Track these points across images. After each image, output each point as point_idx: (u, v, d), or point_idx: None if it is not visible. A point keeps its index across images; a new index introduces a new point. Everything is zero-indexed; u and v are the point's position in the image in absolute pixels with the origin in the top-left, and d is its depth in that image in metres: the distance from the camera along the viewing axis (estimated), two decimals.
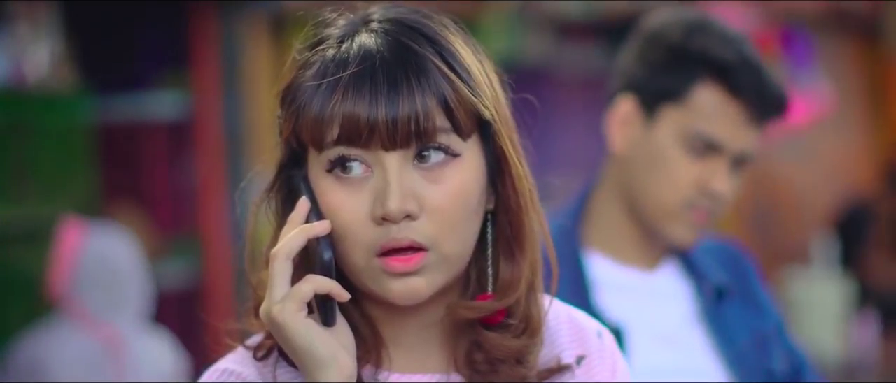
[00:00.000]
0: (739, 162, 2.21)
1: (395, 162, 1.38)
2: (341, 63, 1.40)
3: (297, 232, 1.39)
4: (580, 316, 1.57)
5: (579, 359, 1.52)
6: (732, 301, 2.32)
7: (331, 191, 1.40)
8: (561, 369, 1.49)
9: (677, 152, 2.19)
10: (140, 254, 4.10)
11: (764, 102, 2.18)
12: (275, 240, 1.43)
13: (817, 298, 8.67)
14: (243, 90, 5.88)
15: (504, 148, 1.44)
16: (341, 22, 1.45)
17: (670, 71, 2.19)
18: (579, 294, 2.20)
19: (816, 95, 8.75)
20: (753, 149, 2.21)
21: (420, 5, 1.49)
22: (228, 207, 5.84)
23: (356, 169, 1.39)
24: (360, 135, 1.38)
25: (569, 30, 7.96)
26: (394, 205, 1.37)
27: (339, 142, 1.39)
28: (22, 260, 5.01)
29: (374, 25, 1.44)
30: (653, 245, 2.27)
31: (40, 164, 5.08)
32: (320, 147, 1.40)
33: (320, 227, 1.40)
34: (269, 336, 1.44)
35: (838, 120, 10.35)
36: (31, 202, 5.04)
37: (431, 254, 1.39)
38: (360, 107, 1.37)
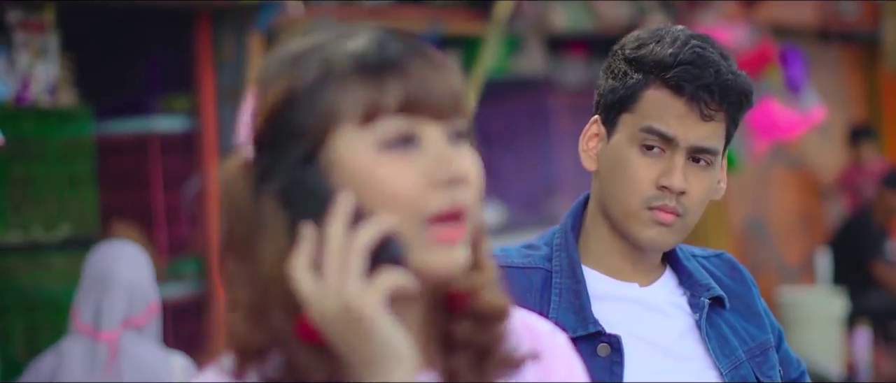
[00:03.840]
0: (698, 156, 2.22)
1: (443, 133, 1.44)
2: (367, 49, 1.44)
3: (373, 225, 1.40)
4: (534, 318, 1.62)
5: (533, 355, 1.54)
6: (731, 311, 2.33)
7: (386, 163, 1.41)
8: (518, 363, 1.52)
9: (632, 152, 2.22)
10: (145, 266, 4.10)
11: (711, 96, 2.19)
12: (287, 245, 1.42)
13: (813, 312, 8.68)
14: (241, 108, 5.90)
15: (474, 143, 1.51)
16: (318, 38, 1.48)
17: (624, 82, 2.24)
18: (580, 304, 2.22)
19: (814, 109, 8.76)
20: (712, 142, 2.22)
21: (413, 24, 1.54)
22: None
23: (411, 142, 1.42)
24: (419, 103, 1.42)
25: (565, 44, 7.99)
26: (460, 166, 1.42)
27: (399, 110, 1.42)
28: (23, 277, 5.03)
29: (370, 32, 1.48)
30: (643, 258, 2.29)
31: (42, 185, 5.09)
32: (373, 118, 1.41)
33: (388, 221, 1.41)
34: (246, 358, 1.42)
35: (836, 133, 10.36)
36: (32, 222, 5.05)
37: (469, 224, 1.44)
38: (419, 76, 1.42)
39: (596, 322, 2.21)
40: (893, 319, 8.96)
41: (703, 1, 8.19)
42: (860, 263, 9.25)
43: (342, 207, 1.40)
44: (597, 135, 2.28)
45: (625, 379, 2.20)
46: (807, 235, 10.13)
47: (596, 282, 2.27)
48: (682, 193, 2.20)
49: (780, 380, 2.34)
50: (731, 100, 2.22)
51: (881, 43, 10.58)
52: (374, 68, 1.42)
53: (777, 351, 2.37)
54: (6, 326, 4.97)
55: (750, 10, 8.79)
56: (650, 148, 2.21)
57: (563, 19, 7.66)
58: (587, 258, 2.29)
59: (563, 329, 2.17)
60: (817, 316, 8.62)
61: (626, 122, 2.24)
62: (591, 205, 2.31)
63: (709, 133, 2.21)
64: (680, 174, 2.19)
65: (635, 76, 2.23)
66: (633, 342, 2.22)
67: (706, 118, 2.20)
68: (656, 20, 7.62)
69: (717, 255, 2.42)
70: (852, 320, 8.71)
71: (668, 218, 2.21)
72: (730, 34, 8.07)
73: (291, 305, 1.41)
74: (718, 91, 2.20)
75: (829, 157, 10.42)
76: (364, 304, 1.37)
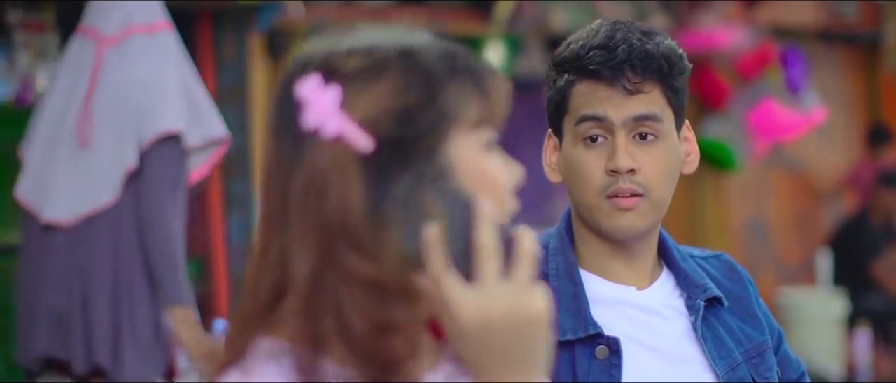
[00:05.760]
0: (642, 131, 2.23)
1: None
2: (477, 64, 1.56)
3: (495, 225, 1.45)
4: None
5: None
6: (729, 312, 2.33)
7: (493, 162, 1.51)
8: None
9: (578, 150, 2.24)
10: None
11: (631, 70, 2.20)
12: (410, 244, 1.41)
13: (813, 313, 8.67)
14: (242, 109, 5.89)
15: None
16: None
17: (556, 88, 2.27)
18: (578, 306, 2.22)
19: (814, 110, 8.76)
20: (648, 110, 2.22)
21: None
22: (227, 227, 5.86)
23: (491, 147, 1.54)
24: (498, 116, 1.58)
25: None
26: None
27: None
28: None
29: None
30: (634, 256, 2.29)
31: None
32: (480, 125, 1.51)
33: (498, 216, 1.48)
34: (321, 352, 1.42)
35: (836, 134, 10.36)
36: None
37: None
38: (499, 95, 1.57)
39: (595, 324, 2.21)
40: (894, 320, 8.96)
41: (704, 1, 8.19)
42: (860, 264, 9.24)
43: (487, 212, 1.42)
44: (555, 148, 2.30)
45: (622, 382, 2.20)
46: (807, 237, 10.12)
47: (593, 284, 2.27)
48: (633, 172, 2.20)
49: (777, 381, 2.34)
50: (653, 68, 2.21)
51: (882, 44, 10.57)
52: (485, 81, 1.48)
53: (777, 353, 2.37)
54: (6, 326, 4.97)
55: (750, 10, 8.79)
56: (594, 140, 2.22)
57: (564, 20, 7.66)
58: (581, 262, 2.30)
59: (561, 331, 2.18)
60: (817, 317, 8.61)
61: (567, 125, 2.26)
62: (573, 214, 2.32)
63: (641, 105, 2.22)
64: (623, 153, 2.20)
65: (563, 78, 2.25)
66: (631, 345, 2.22)
67: (632, 92, 2.21)
68: (657, 21, 7.62)
69: (716, 256, 2.42)
70: (853, 321, 8.71)
71: (629, 202, 2.21)
72: (730, 35, 8.07)
73: (411, 301, 1.42)
74: (638, 63, 2.20)
75: (829, 159, 10.42)
76: (541, 308, 1.40)
